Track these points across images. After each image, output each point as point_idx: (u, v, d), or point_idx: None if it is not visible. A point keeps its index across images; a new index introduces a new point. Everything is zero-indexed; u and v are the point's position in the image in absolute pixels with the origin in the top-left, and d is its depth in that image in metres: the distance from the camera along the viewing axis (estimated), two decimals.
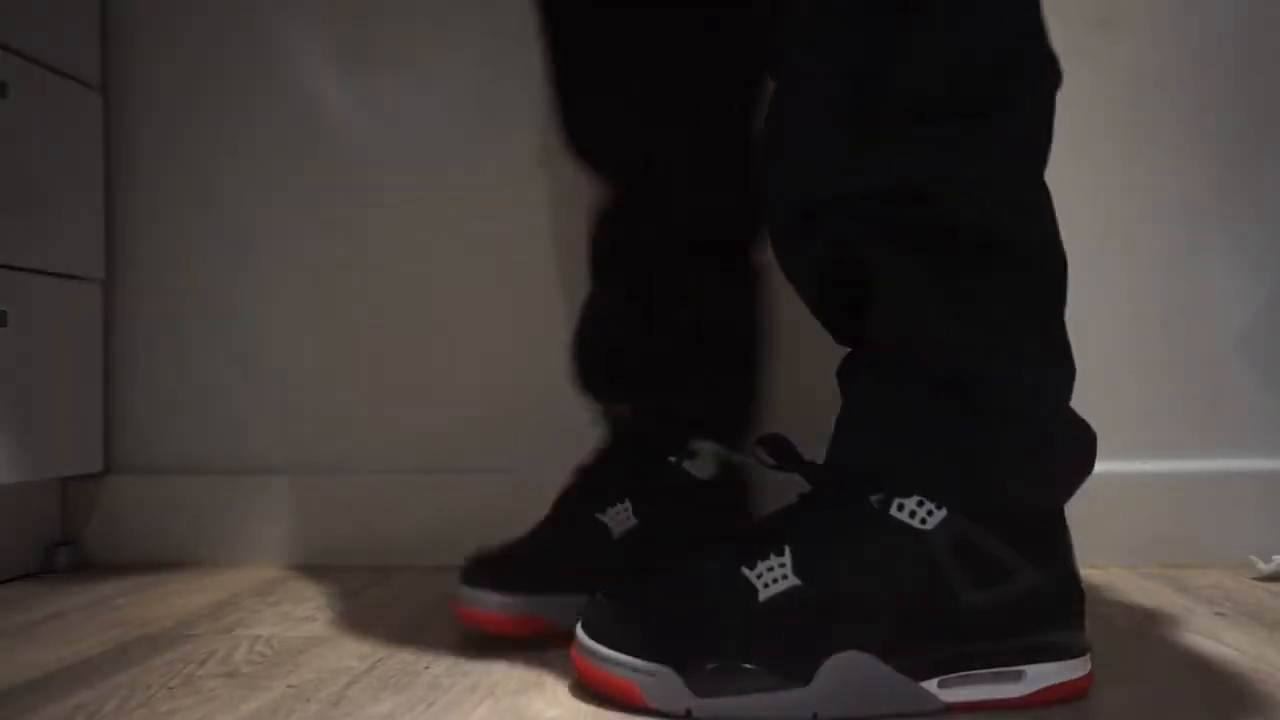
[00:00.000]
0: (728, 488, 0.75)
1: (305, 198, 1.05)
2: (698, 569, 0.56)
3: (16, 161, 0.93)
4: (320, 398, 1.04)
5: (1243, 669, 0.61)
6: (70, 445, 1.01)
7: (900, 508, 0.53)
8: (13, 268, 0.93)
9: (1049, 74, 0.55)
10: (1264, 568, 0.87)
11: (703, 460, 0.73)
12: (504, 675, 0.61)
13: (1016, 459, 0.55)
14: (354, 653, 0.68)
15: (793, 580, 0.53)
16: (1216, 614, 0.75)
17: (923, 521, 0.53)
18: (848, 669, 0.52)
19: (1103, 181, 0.98)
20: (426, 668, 0.64)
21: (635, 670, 0.53)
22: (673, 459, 0.73)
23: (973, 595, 0.53)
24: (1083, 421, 0.57)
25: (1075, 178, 0.99)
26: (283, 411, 1.05)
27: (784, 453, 0.57)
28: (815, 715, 0.52)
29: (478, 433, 0.99)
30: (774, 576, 0.53)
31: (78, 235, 1.02)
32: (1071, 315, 0.96)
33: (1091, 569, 0.93)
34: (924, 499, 0.53)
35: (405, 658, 0.66)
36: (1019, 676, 0.54)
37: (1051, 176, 0.99)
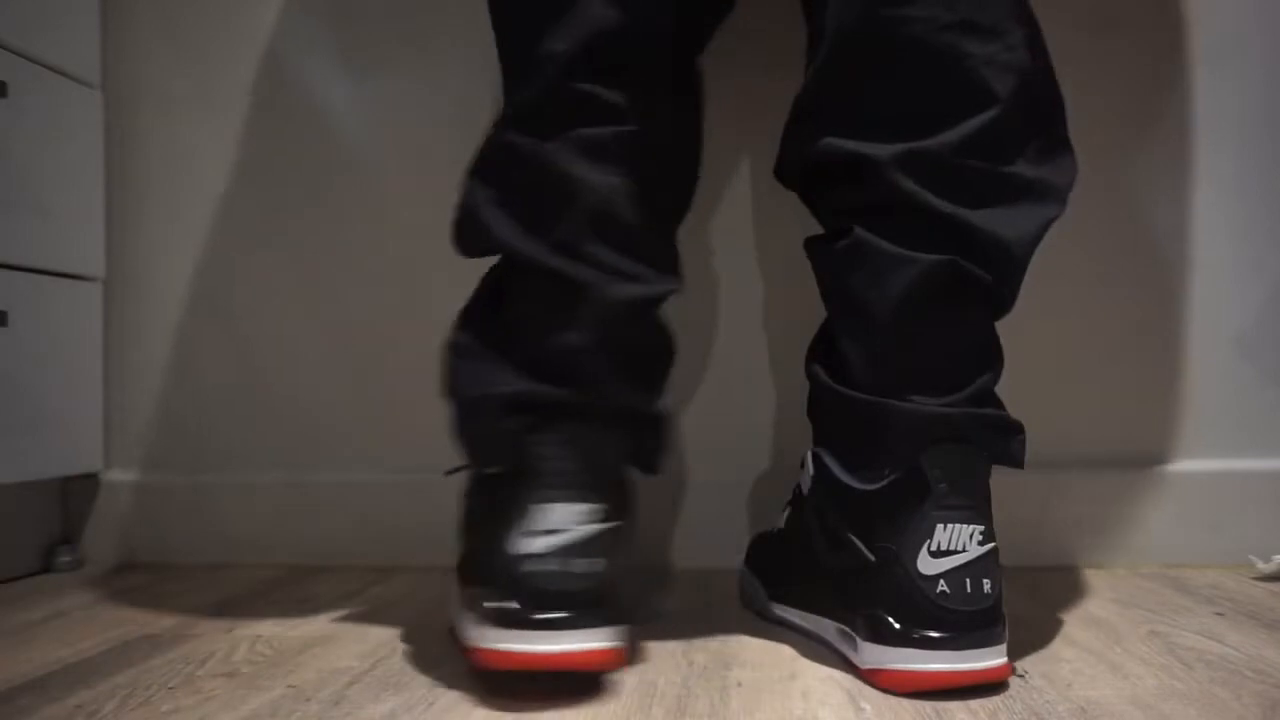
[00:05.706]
0: None
1: (305, 197, 1.05)
2: None
3: (16, 161, 0.93)
4: (320, 397, 1.04)
5: (1243, 669, 0.61)
6: (70, 445, 1.01)
7: None
8: (13, 267, 0.93)
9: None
10: (1264, 568, 0.87)
11: None
12: (504, 675, 0.61)
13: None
14: (354, 653, 0.68)
15: None
16: (1216, 614, 0.75)
17: None
18: None
19: (1103, 181, 0.98)
20: (426, 668, 0.64)
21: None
22: None
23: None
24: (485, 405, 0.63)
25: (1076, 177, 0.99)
26: (282, 411, 1.05)
27: None
28: None
29: None
30: None
31: (78, 235, 1.02)
32: (1071, 315, 0.97)
33: (1092, 569, 0.93)
34: None
35: (405, 658, 0.66)
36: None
37: None
